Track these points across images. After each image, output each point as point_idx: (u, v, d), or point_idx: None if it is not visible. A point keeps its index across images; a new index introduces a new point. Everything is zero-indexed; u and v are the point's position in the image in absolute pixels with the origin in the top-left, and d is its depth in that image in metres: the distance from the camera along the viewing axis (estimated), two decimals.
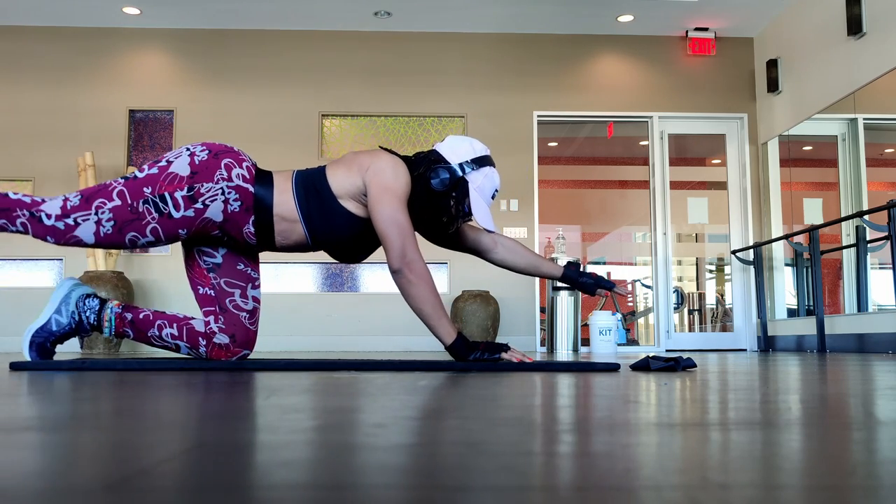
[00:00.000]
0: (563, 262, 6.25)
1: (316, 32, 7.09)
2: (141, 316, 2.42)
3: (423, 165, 2.37)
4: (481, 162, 2.41)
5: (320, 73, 7.05)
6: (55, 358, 2.61)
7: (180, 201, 2.25)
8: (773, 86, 6.80)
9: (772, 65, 6.82)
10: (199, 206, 2.26)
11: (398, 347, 6.77)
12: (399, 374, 1.95)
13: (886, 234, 4.97)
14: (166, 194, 2.24)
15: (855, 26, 5.62)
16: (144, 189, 2.24)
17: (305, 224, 2.35)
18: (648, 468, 0.55)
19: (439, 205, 2.39)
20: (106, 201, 2.23)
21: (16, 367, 2.11)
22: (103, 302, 2.44)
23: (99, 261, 6.20)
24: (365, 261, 6.81)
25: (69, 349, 6.59)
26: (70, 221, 2.22)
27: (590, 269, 9.43)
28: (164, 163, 2.28)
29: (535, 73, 7.12)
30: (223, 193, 2.27)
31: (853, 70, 5.73)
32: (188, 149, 2.31)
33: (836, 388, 1.45)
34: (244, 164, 2.32)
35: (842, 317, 5.76)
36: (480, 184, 2.40)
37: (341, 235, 2.37)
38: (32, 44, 6.97)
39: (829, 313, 6.02)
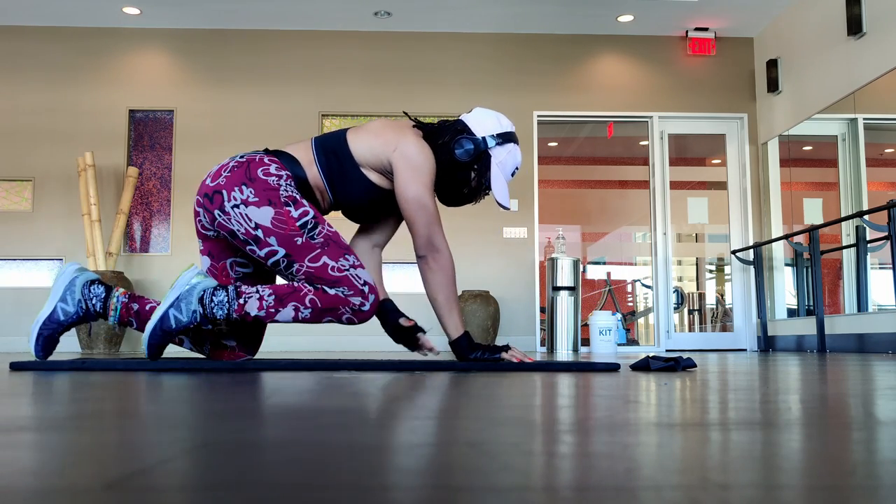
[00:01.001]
0: (563, 261, 6.24)
1: (316, 32, 7.10)
2: (147, 308, 2.41)
3: (449, 134, 2.36)
4: (506, 137, 2.40)
5: (320, 73, 7.05)
6: (55, 358, 2.61)
7: (302, 210, 2.26)
8: (773, 86, 6.80)
9: (772, 65, 6.82)
10: (298, 197, 2.28)
11: (399, 347, 6.77)
12: (399, 374, 1.95)
13: (886, 234, 4.97)
14: (297, 224, 2.24)
15: (855, 26, 5.62)
16: (298, 242, 2.24)
17: (328, 185, 2.36)
18: (648, 468, 0.55)
19: (459, 176, 2.38)
20: (330, 265, 2.24)
21: (16, 367, 2.11)
22: (109, 289, 2.40)
23: (99, 260, 6.21)
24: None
25: (69, 349, 6.59)
26: (366, 288, 2.24)
27: (590, 269, 9.44)
28: (260, 231, 2.24)
29: (535, 73, 7.12)
30: (290, 185, 2.29)
31: (853, 70, 5.73)
32: (236, 207, 2.25)
33: (836, 388, 1.45)
34: (265, 159, 2.32)
35: (842, 317, 5.76)
36: (503, 159, 2.39)
37: (359, 201, 2.38)
38: (32, 44, 6.97)
39: (829, 313, 6.02)
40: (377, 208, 2.43)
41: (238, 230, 2.25)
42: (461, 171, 2.37)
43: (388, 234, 2.66)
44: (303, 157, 2.35)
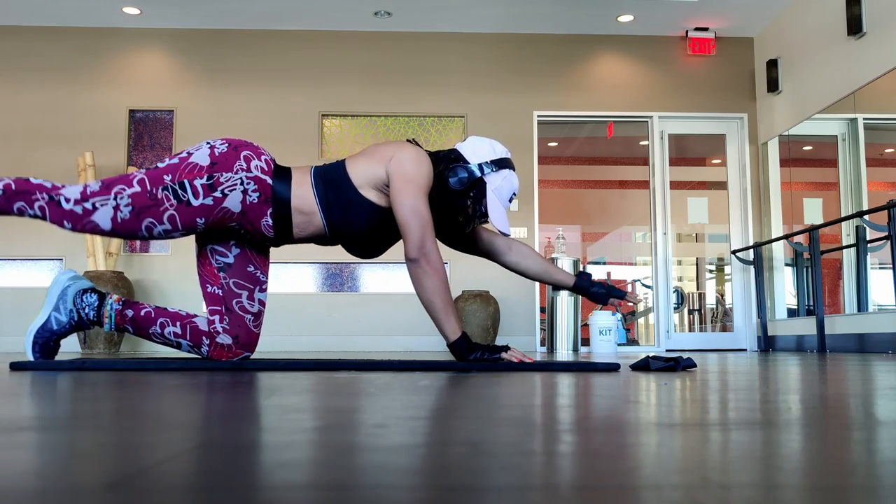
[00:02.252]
0: (563, 262, 6.24)
1: (316, 32, 7.10)
2: (142, 313, 2.41)
3: (443, 164, 2.38)
4: (501, 164, 2.41)
5: (320, 73, 7.05)
6: (55, 358, 2.60)
7: (199, 189, 2.26)
8: (773, 86, 6.80)
9: (772, 65, 6.82)
10: (217, 194, 2.27)
11: (398, 347, 6.77)
12: (399, 374, 1.94)
13: (886, 234, 4.97)
14: (185, 182, 2.25)
15: (855, 26, 5.62)
16: (164, 177, 2.26)
17: (325, 216, 2.34)
18: (648, 468, 0.55)
19: (455, 204, 2.39)
20: (125, 187, 2.24)
21: (16, 367, 2.11)
22: (102, 297, 2.42)
23: (99, 261, 6.20)
24: (364, 261, 6.81)
25: (69, 349, 6.59)
26: (88, 206, 2.23)
27: (590, 269, 9.43)
28: (184, 154, 2.31)
29: (536, 73, 7.12)
30: (242, 184, 2.28)
31: (853, 70, 5.73)
32: (208, 143, 2.33)
33: (836, 388, 1.45)
34: (262, 157, 2.33)
35: (842, 317, 5.76)
36: (498, 185, 2.40)
37: (360, 227, 2.36)
38: (32, 44, 6.97)
39: (829, 313, 6.02)
40: (379, 234, 2.41)
41: (186, 148, 2.35)
42: (457, 199, 2.38)
43: (490, 236, 2.64)
44: (298, 178, 2.35)
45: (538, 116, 7.08)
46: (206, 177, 2.26)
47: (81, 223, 2.24)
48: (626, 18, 6.83)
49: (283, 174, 2.35)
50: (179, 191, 2.25)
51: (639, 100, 7.14)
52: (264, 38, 7.06)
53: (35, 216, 2.25)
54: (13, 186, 2.22)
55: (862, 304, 5.63)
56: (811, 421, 0.87)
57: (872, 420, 0.88)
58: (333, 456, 0.60)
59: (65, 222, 2.23)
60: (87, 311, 2.39)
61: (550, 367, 2.22)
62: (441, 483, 0.50)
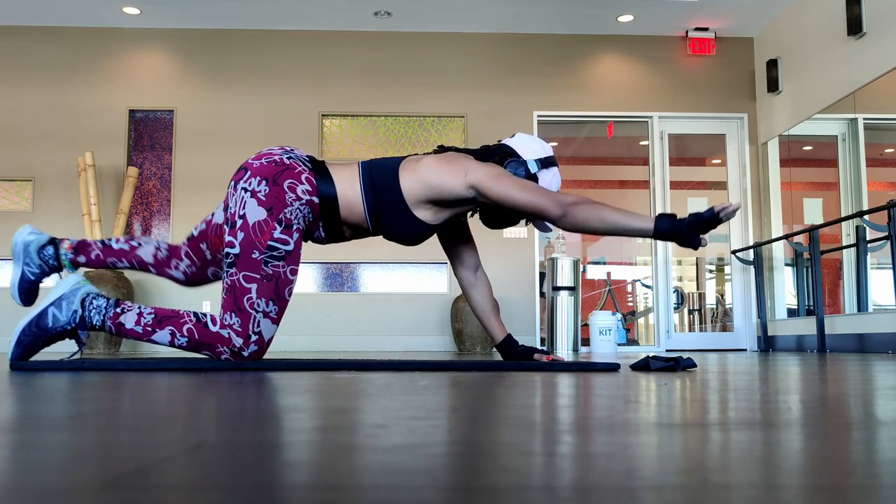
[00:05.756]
0: (563, 262, 6.25)
1: (316, 32, 7.09)
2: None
3: (497, 156, 2.39)
4: (549, 162, 2.45)
5: (320, 73, 7.05)
6: (55, 358, 2.60)
7: (284, 237, 2.26)
8: (773, 86, 6.80)
9: (772, 65, 6.82)
10: (295, 227, 2.28)
11: (398, 347, 6.77)
12: (399, 374, 1.95)
13: (886, 234, 4.96)
14: (270, 243, 2.24)
15: (855, 26, 5.62)
16: (253, 255, 2.24)
17: (372, 225, 2.36)
18: (648, 468, 0.55)
19: None
20: (249, 295, 2.24)
21: (16, 367, 2.11)
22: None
23: None
24: (363, 261, 6.81)
25: (69, 349, 6.58)
26: (254, 336, 2.25)
27: (590, 269, 9.44)
28: (240, 221, 2.25)
29: (536, 73, 7.12)
30: (301, 211, 2.29)
31: (853, 70, 5.73)
32: (245, 189, 2.27)
33: (836, 388, 1.45)
34: (303, 177, 2.29)
35: (842, 317, 5.76)
36: (548, 182, 2.43)
37: (407, 236, 2.39)
38: (32, 44, 6.97)
39: (829, 313, 6.02)
40: (426, 237, 2.45)
41: (231, 207, 2.30)
42: None
43: (472, 249, 2.67)
44: (347, 187, 2.32)
45: (538, 116, 7.08)
46: (276, 225, 2.25)
47: (264, 349, 2.28)
48: (626, 18, 6.83)
49: (325, 179, 2.31)
50: (276, 252, 2.25)
51: (639, 100, 7.14)
52: (264, 38, 7.06)
53: (225, 360, 2.27)
54: (196, 337, 2.24)
55: (862, 304, 5.62)
56: (811, 421, 0.87)
57: (872, 420, 0.88)
58: (333, 456, 0.60)
59: (248, 363, 2.21)
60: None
61: (550, 367, 2.22)
62: (441, 483, 0.50)
